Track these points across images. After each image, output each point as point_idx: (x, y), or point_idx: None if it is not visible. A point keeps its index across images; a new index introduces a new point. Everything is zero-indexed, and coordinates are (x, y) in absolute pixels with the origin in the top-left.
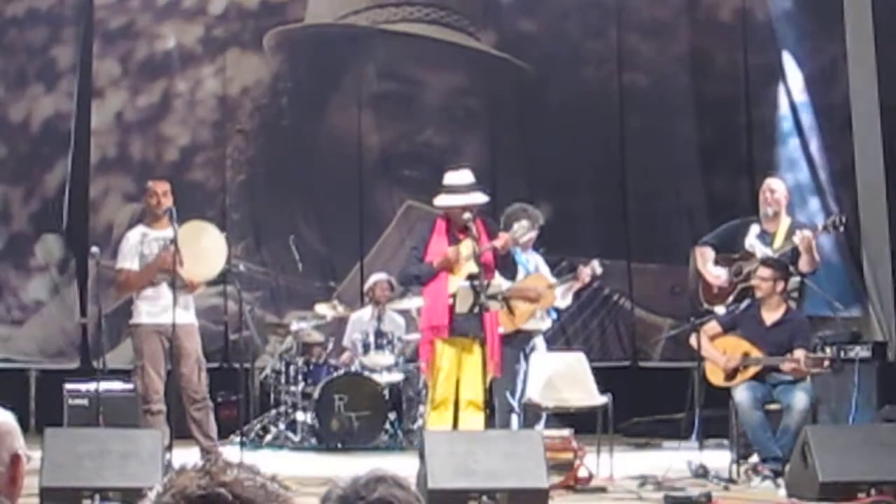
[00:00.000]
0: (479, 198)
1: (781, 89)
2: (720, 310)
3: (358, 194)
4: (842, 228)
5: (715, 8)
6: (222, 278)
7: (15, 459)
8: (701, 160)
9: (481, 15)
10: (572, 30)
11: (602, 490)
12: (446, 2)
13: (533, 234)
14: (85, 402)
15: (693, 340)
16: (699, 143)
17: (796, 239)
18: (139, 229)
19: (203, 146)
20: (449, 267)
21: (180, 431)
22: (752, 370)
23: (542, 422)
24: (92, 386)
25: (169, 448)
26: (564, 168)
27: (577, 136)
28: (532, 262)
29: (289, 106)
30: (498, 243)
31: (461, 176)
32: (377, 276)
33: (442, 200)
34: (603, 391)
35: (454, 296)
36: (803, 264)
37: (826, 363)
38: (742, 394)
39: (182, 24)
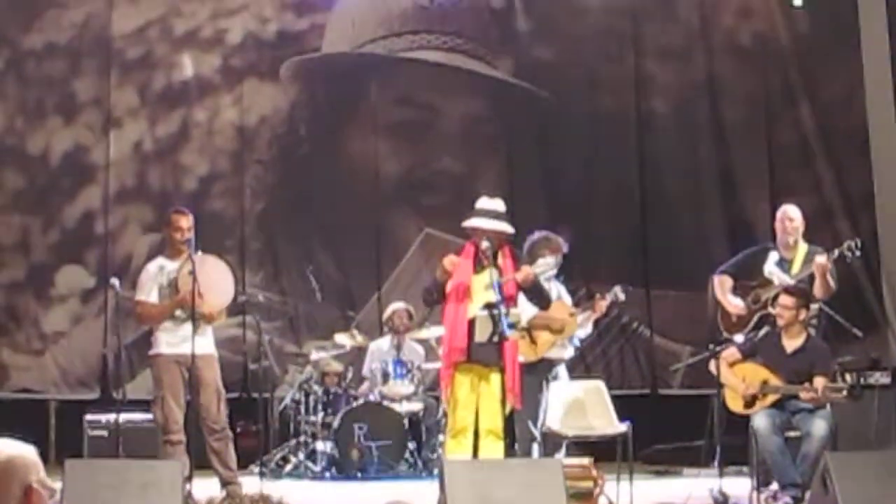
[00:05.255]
0: (505, 227)
1: (800, 113)
2: (739, 337)
3: (376, 223)
4: (858, 253)
5: (733, 32)
6: (241, 308)
7: (27, 491)
8: (721, 185)
9: (498, 42)
10: (589, 56)
11: None
12: (463, 30)
13: (555, 269)
14: (105, 432)
15: (713, 367)
16: (719, 168)
17: (813, 265)
18: (158, 261)
19: (221, 175)
20: (446, 277)
21: (200, 462)
22: (772, 397)
23: (563, 450)
24: (112, 416)
25: (189, 478)
26: (583, 195)
27: (595, 163)
28: (554, 291)
29: (306, 135)
30: (519, 277)
31: (493, 203)
32: (396, 305)
33: (468, 221)
34: (622, 419)
35: (472, 322)
36: (817, 290)
37: (845, 393)
38: (761, 420)
39: (200, 53)
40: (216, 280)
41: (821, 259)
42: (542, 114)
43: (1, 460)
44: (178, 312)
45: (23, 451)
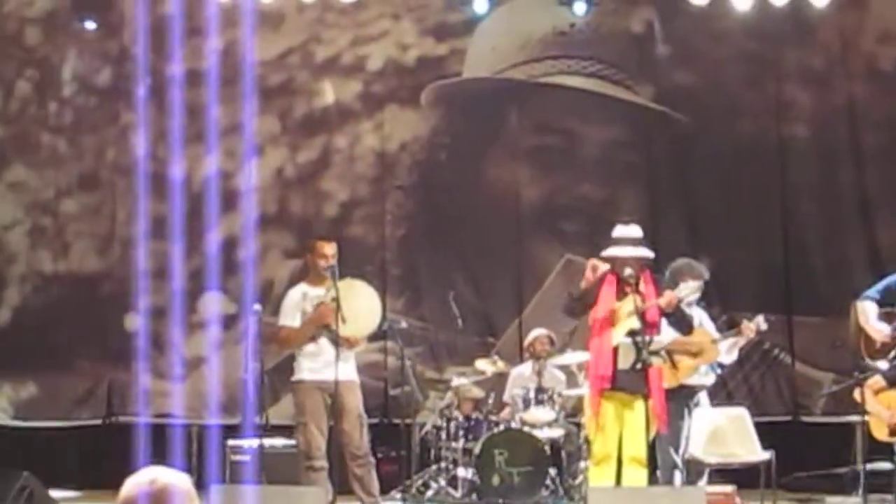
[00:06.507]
0: (644, 252)
1: None
2: (883, 364)
3: (516, 248)
4: None
5: (873, 57)
6: (382, 334)
7: None
8: (862, 211)
9: (638, 68)
10: (729, 81)
11: None
12: (604, 55)
13: (699, 294)
14: (247, 458)
15: (857, 395)
16: (859, 193)
17: None
18: (301, 287)
19: (362, 202)
20: (591, 289)
21: (342, 488)
22: None
23: (705, 477)
24: (254, 442)
25: None
26: (724, 221)
27: (736, 189)
28: (696, 318)
29: (447, 161)
30: (662, 302)
31: (630, 230)
32: (537, 332)
33: (607, 251)
34: (764, 446)
35: (616, 349)
36: None
37: None
38: None
39: (341, 80)
40: (362, 306)
41: None
42: (682, 139)
43: (158, 488)
44: (321, 338)
45: (176, 480)
